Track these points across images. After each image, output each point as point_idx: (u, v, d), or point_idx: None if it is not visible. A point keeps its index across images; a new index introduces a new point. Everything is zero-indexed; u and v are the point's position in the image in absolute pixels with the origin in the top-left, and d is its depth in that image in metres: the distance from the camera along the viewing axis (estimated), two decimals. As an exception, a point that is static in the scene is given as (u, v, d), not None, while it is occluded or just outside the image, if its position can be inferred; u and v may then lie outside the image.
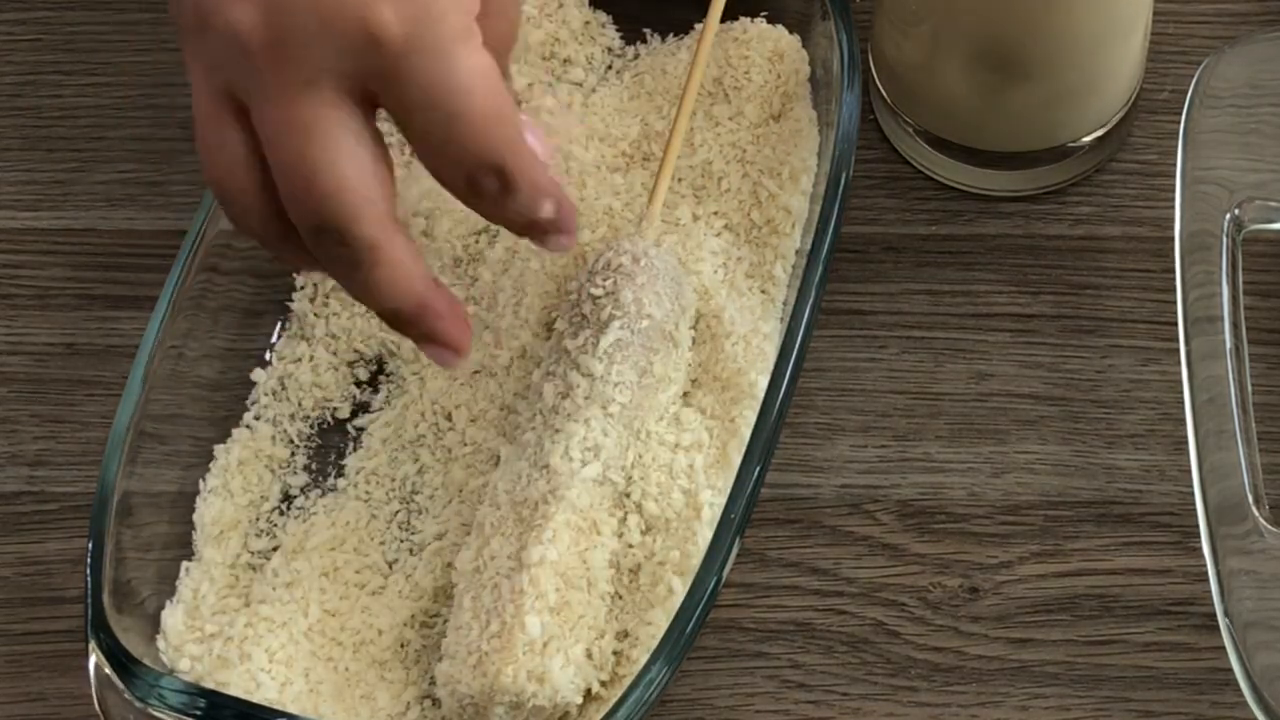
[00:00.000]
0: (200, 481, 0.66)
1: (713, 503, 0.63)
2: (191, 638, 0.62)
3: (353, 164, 0.55)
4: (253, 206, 0.56)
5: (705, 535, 0.62)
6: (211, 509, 0.65)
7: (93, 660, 0.59)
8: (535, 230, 0.58)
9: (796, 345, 0.63)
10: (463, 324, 0.58)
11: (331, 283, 0.69)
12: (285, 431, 0.67)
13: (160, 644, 0.62)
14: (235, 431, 0.67)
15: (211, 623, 0.63)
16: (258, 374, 0.68)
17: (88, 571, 0.60)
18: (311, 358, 0.68)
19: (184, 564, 0.64)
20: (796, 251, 0.69)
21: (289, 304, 0.69)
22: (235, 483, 0.66)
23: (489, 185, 0.56)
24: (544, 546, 0.60)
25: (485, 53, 0.55)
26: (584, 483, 0.62)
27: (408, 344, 0.67)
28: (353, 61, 0.54)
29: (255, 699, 0.60)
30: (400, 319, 0.57)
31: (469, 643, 0.60)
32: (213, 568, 0.64)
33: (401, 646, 0.64)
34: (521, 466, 0.62)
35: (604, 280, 0.64)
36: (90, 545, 0.61)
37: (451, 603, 0.63)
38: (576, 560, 0.61)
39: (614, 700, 0.58)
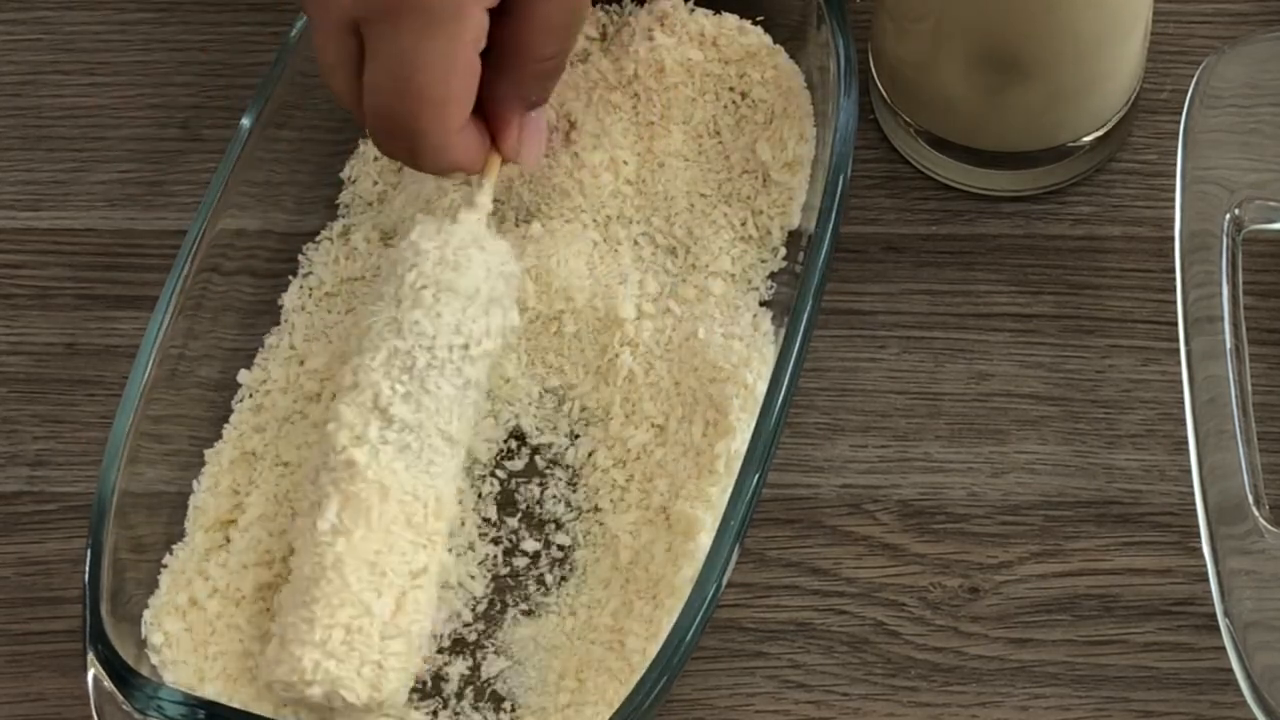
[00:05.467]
0: (195, 482, 0.66)
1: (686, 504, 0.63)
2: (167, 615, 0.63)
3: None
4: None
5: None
6: (205, 506, 0.65)
7: (91, 672, 0.59)
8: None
9: (796, 345, 0.63)
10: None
11: (327, 287, 0.70)
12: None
13: (144, 622, 0.63)
14: (224, 432, 0.67)
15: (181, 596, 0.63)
16: (243, 375, 0.68)
17: (86, 582, 0.60)
18: (293, 351, 0.68)
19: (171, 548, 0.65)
20: (797, 250, 0.69)
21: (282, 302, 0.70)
22: (225, 483, 0.66)
23: (400, 149, 0.63)
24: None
25: (463, 44, 0.61)
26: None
27: None
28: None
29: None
30: None
31: (361, 648, 0.60)
32: (194, 553, 0.65)
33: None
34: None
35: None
36: (89, 556, 0.61)
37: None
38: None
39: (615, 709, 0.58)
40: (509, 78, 0.63)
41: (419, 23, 0.60)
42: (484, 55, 0.63)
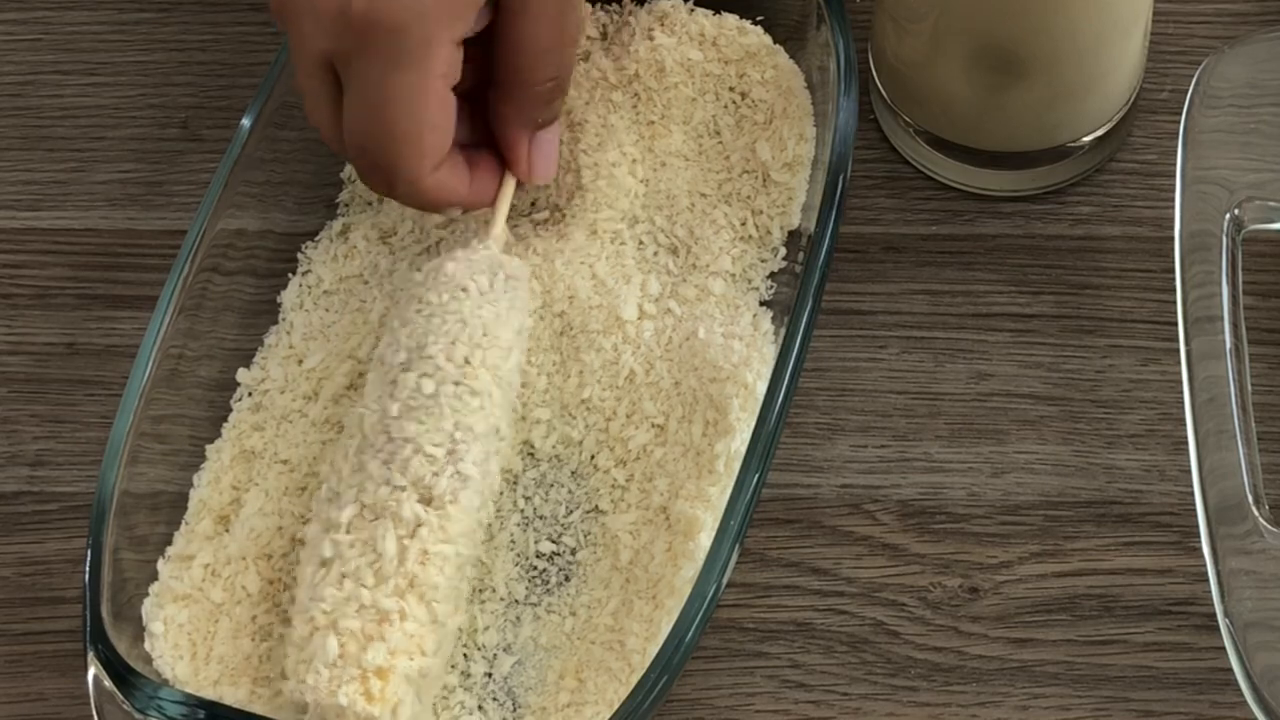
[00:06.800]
0: (195, 478, 0.66)
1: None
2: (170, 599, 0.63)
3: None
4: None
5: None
6: (205, 504, 0.65)
7: (91, 671, 0.59)
8: None
9: (796, 345, 0.63)
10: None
11: (325, 285, 0.70)
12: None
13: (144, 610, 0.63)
14: (223, 429, 0.67)
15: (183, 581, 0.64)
16: (241, 373, 0.68)
17: (86, 582, 0.60)
18: (291, 350, 0.69)
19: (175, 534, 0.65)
20: (797, 250, 0.69)
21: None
22: (225, 481, 0.66)
23: (379, 184, 0.63)
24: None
25: (432, 77, 0.61)
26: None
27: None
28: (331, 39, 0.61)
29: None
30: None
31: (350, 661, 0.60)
32: (194, 547, 0.65)
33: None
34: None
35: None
36: (89, 555, 0.61)
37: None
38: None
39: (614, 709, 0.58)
40: (512, 103, 0.64)
41: (386, 58, 0.60)
42: (486, 84, 0.64)
